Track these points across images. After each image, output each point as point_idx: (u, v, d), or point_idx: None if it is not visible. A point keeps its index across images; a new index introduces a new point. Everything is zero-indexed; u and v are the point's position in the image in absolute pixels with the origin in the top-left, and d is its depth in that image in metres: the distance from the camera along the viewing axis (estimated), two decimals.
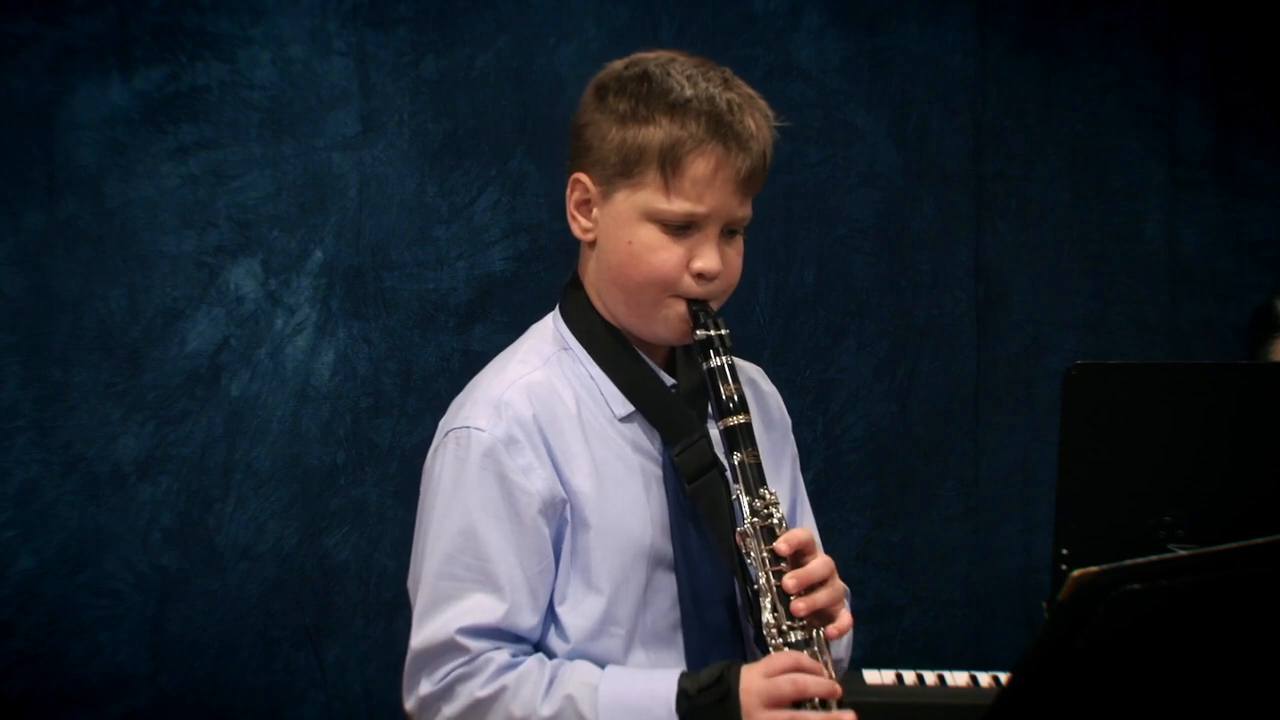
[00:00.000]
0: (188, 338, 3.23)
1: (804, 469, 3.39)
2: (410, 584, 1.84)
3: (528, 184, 3.33)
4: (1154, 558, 1.38)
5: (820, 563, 1.77)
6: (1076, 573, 1.35)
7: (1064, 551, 2.03)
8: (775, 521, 1.76)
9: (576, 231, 1.86)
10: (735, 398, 1.79)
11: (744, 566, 1.80)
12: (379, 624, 3.28)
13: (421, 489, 1.85)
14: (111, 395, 3.19)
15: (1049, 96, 3.49)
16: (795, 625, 1.73)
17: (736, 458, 1.78)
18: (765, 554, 1.75)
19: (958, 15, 3.46)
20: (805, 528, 1.83)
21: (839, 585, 1.79)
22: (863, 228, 3.47)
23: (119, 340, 3.19)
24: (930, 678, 2.87)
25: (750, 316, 3.39)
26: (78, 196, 3.17)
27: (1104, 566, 1.35)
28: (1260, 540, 1.40)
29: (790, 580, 1.73)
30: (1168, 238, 3.50)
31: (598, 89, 1.84)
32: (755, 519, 1.76)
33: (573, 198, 1.85)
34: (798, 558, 1.76)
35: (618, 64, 1.86)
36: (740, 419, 1.79)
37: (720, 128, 1.77)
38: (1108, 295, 3.50)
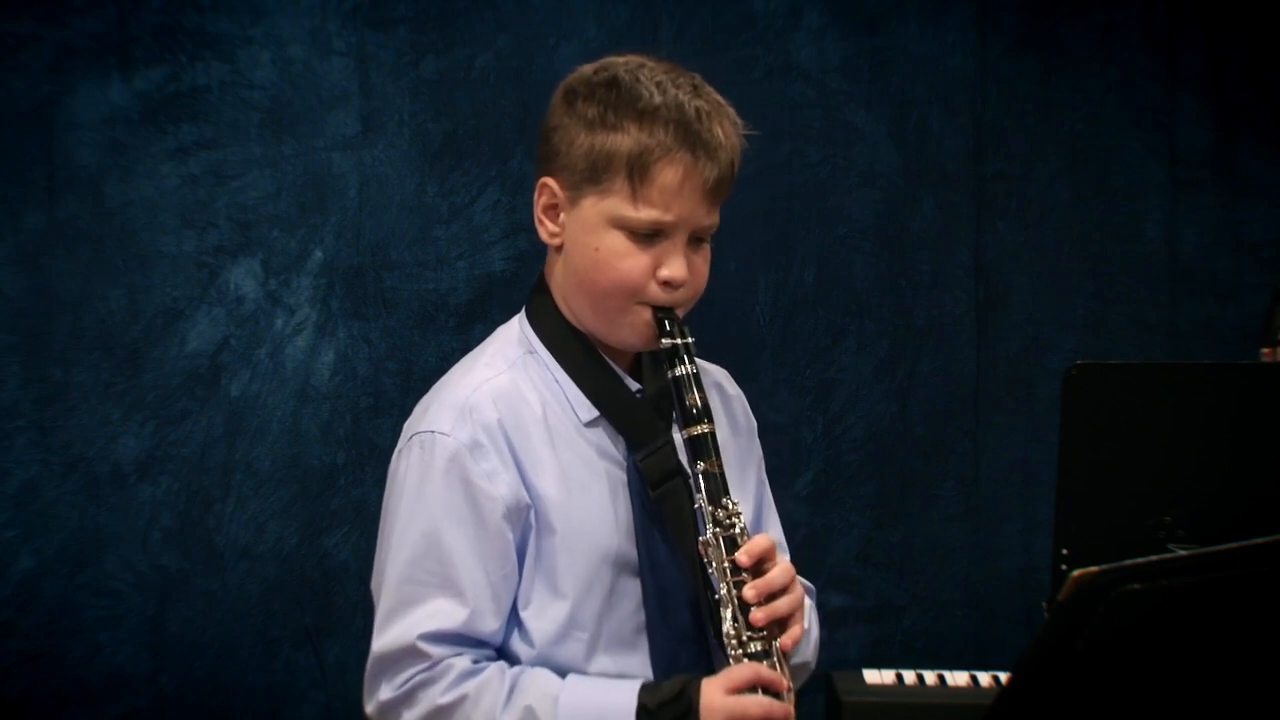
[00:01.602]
0: (188, 338, 3.23)
1: (804, 469, 3.43)
2: (374, 586, 1.84)
3: (528, 184, 3.29)
4: (1154, 558, 1.38)
5: (780, 570, 1.77)
6: (1076, 573, 1.35)
7: (1064, 551, 2.04)
8: (737, 532, 1.76)
9: (544, 236, 1.86)
10: (699, 406, 1.79)
11: (705, 575, 1.80)
12: None
13: (385, 491, 1.85)
14: (111, 395, 3.19)
15: (1049, 96, 3.49)
16: (755, 636, 1.74)
17: (700, 467, 1.79)
18: (727, 564, 1.75)
19: (958, 15, 3.46)
20: (767, 535, 1.82)
21: (799, 591, 1.79)
22: (863, 228, 3.47)
23: (119, 340, 3.19)
24: (930, 678, 2.87)
25: (750, 316, 3.39)
26: (78, 196, 3.17)
27: (1104, 566, 1.35)
28: (1260, 540, 1.39)
29: (749, 590, 1.73)
30: (1168, 238, 3.50)
31: (566, 94, 1.85)
32: (718, 529, 1.76)
33: (540, 202, 1.85)
34: (759, 566, 1.76)
35: (587, 69, 1.86)
36: (704, 428, 1.79)
37: (689, 136, 1.77)
38: (1108, 295, 3.50)
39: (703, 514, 1.78)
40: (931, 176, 3.47)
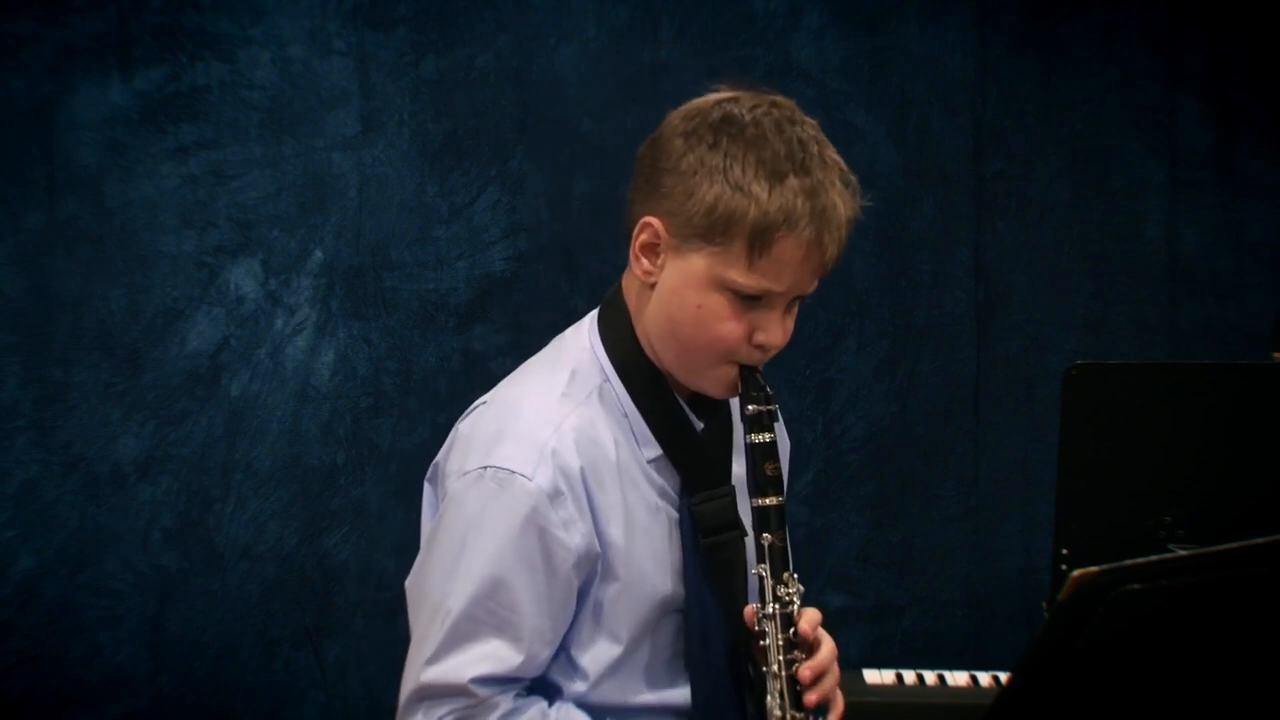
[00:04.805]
0: (188, 338, 3.23)
1: (804, 469, 3.43)
2: (411, 589, 1.80)
3: (528, 184, 3.33)
4: (1154, 558, 1.38)
5: (828, 651, 1.78)
6: (1076, 573, 1.35)
7: (1064, 551, 2.04)
8: (795, 608, 1.76)
9: (638, 271, 1.78)
10: (776, 476, 1.76)
11: (745, 624, 1.81)
12: (379, 624, 3.28)
13: (445, 512, 1.78)
14: (111, 395, 3.19)
15: (1049, 96, 3.49)
16: (797, 715, 1.74)
17: (766, 539, 1.76)
18: (781, 641, 1.74)
19: (958, 15, 3.46)
20: (816, 610, 1.81)
21: (837, 670, 1.81)
22: (863, 228, 3.43)
23: (119, 340, 3.20)
24: (930, 678, 2.86)
25: None
26: (78, 196, 3.17)
27: (1104, 566, 1.35)
28: (1260, 540, 1.39)
29: (806, 671, 1.74)
30: (1168, 238, 3.50)
31: (686, 134, 1.75)
32: (777, 604, 1.75)
33: (639, 239, 1.76)
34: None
35: (708, 107, 1.78)
36: (777, 499, 1.76)
37: (815, 211, 1.73)
38: (1108, 295, 3.50)
39: (764, 586, 1.76)
40: (931, 176, 3.47)
